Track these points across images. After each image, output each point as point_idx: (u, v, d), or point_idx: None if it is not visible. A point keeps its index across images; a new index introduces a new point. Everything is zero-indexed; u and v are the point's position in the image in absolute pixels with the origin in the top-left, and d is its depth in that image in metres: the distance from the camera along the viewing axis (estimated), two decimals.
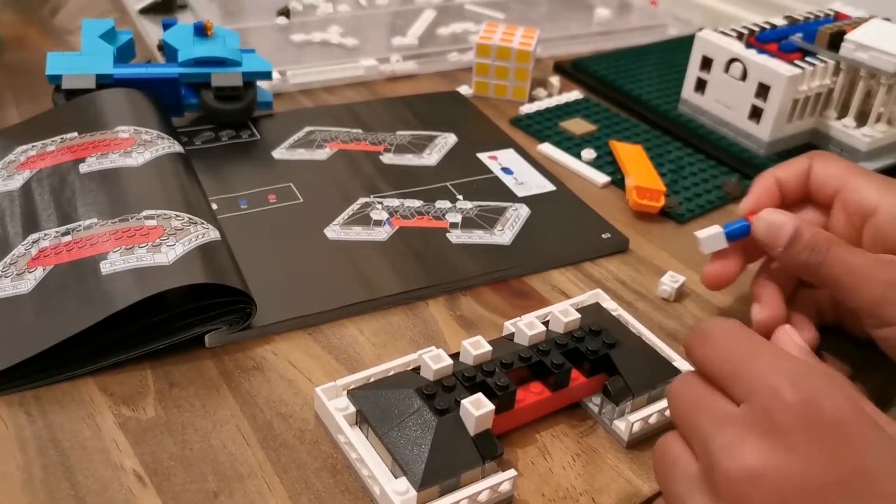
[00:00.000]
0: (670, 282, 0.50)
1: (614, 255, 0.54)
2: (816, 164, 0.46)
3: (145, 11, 0.78)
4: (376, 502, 0.35)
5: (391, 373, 0.40)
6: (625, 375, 0.40)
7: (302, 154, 0.60)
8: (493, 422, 0.36)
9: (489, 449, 0.35)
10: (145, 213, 0.46)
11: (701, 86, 0.68)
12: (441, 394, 0.37)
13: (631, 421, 0.39)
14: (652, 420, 0.40)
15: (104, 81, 0.58)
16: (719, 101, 0.67)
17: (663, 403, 0.40)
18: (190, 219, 0.46)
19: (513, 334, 0.42)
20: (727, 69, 0.65)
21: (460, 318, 0.47)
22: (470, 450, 0.35)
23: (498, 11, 0.88)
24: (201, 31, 0.62)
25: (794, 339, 0.42)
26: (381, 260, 0.50)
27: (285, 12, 0.80)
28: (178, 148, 0.54)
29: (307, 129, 0.63)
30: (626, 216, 0.58)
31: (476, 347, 0.39)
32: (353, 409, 0.38)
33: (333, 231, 0.52)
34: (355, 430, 0.37)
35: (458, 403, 0.36)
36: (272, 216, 0.53)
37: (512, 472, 0.36)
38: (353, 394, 0.38)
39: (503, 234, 0.53)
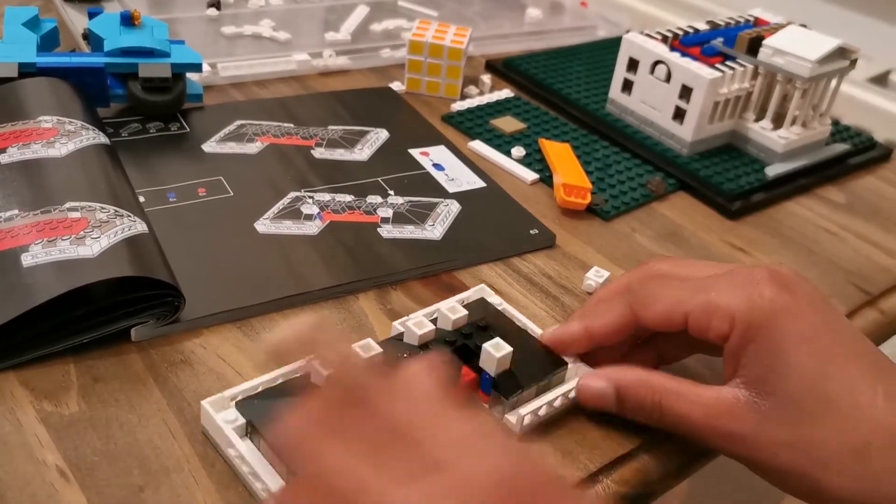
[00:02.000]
0: (595, 277, 0.51)
1: (542, 251, 0.55)
2: (639, 311, 0.41)
3: None
4: None
5: (279, 380, 0.39)
6: (513, 369, 0.40)
7: (232, 147, 0.60)
8: None
9: None
10: (69, 204, 0.45)
11: (627, 86, 0.70)
12: None
13: (522, 414, 0.40)
14: (542, 412, 0.40)
15: (27, 70, 0.56)
16: (645, 101, 0.69)
17: (552, 395, 0.41)
18: (116, 211, 0.46)
19: (402, 334, 0.42)
20: (652, 71, 0.67)
21: (390, 311, 0.48)
22: None
23: (431, 9, 0.88)
24: (128, 20, 0.61)
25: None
26: (311, 254, 0.50)
27: (216, 3, 0.79)
28: (103, 139, 0.53)
29: (238, 122, 0.63)
30: (553, 213, 0.59)
31: (366, 350, 0.39)
32: (242, 420, 0.37)
33: (264, 225, 0.52)
34: (246, 442, 0.36)
35: None
36: (202, 209, 0.53)
37: None
38: (243, 404, 0.37)
39: (434, 230, 0.54)
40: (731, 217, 0.61)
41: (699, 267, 0.42)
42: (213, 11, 0.79)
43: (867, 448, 0.35)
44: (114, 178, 0.50)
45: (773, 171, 0.65)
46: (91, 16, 0.62)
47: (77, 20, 0.73)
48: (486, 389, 0.40)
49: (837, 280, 0.56)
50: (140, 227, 0.46)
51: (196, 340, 0.44)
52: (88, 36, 0.62)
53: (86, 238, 0.43)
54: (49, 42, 0.61)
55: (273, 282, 0.48)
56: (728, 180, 0.64)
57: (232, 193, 0.55)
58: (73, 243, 0.42)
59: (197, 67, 0.61)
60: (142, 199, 0.52)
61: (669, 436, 0.41)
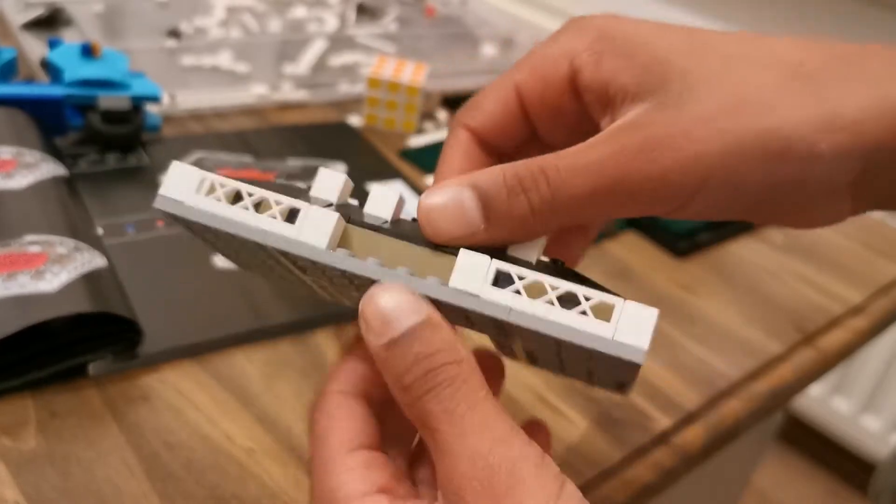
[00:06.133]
0: None
1: None
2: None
3: (28, 27, 0.75)
4: None
5: None
6: None
7: None
8: None
9: None
10: (28, 238, 0.45)
11: None
12: None
13: None
14: None
15: None
16: None
17: None
18: (75, 245, 0.46)
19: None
20: None
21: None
22: None
23: (388, 43, 0.90)
24: (89, 51, 0.61)
25: None
26: (269, 289, 0.51)
27: (175, 34, 0.80)
28: (62, 171, 0.53)
29: (197, 154, 0.63)
30: None
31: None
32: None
33: (222, 259, 0.52)
34: None
35: None
36: (161, 243, 0.53)
37: None
38: None
39: None
40: (678, 255, 0.64)
41: None
42: (172, 42, 0.79)
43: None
44: (73, 211, 0.50)
45: None
46: (51, 45, 0.62)
47: (35, 48, 0.73)
48: None
49: (777, 319, 0.59)
50: (99, 261, 0.46)
51: (155, 375, 0.44)
52: (47, 65, 0.62)
53: (45, 273, 0.43)
54: (7, 71, 0.61)
55: (231, 316, 0.48)
56: (675, 220, 0.66)
57: None
58: (33, 278, 0.43)
59: (156, 99, 0.62)
60: (100, 230, 0.52)
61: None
